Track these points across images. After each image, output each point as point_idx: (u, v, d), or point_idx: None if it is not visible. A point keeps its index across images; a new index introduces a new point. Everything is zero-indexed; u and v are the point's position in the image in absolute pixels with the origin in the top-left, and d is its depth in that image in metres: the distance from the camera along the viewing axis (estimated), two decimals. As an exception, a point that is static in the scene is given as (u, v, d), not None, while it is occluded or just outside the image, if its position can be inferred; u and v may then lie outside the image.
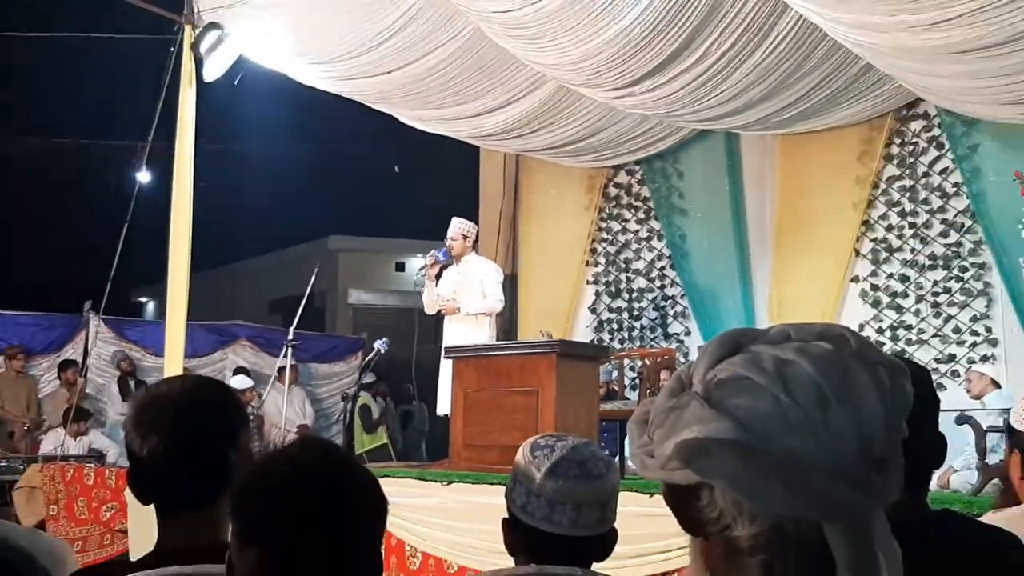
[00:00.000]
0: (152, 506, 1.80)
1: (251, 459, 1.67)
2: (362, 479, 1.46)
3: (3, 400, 10.68)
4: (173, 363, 7.69)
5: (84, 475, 7.63)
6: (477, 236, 8.22)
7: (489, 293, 7.42)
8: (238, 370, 11.82)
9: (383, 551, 1.52)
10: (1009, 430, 2.43)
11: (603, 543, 1.97)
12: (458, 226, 7.59)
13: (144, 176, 9.01)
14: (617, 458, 6.61)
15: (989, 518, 2.32)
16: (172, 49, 7.88)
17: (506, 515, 2.00)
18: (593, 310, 10.50)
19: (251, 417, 10.49)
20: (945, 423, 2.16)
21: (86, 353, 11.44)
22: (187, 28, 7.85)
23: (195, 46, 7.72)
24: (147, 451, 1.73)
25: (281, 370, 11.17)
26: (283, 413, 10.97)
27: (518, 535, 1.96)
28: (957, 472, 6.69)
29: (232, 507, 1.42)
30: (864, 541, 0.90)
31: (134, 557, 1.79)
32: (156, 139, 8.21)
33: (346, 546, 1.40)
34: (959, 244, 8.39)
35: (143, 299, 22.93)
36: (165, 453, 1.72)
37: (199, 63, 7.72)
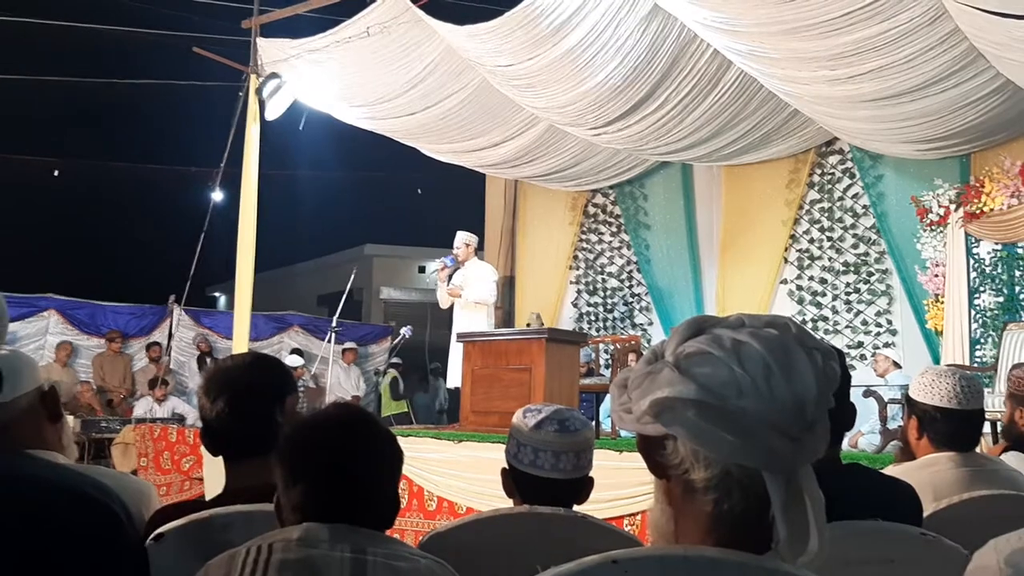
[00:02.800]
0: (220, 457, 1.79)
1: (296, 417, 1.66)
2: (383, 433, 1.47)
3: (104, 374, 10.68)
4: (240, 345, 7.68)
5: (168, 434, 7.60)
6: (480, 244, 8.20)
7: (483, 287, 7.41)
8: (294, 351, 11.82)
9: (400, 492, 1.53)
10: (908, 400, 2.41)
11: (580, 486, 1.97)
12: (462, 237, 7.58)
13: (218, 195, 8.99)
14: (593, 422, 6.60)
15: (890, 470, 2.32)
16: (241, 94, 7.86)
17: (504, 466, 2.00)
18: (575, 304, 10.48)
19: (302, 389, 10.54)
20: (854, 396, 2.15)
21: (170, 336, 11.42)
22: (252, 77, 7.84)
23: (259, 91, 7.70)
24: (215, 412, 1.72)
25: (346, 351, 11.42)
26: (342, 385, 11.25)
27: (511, 480, 1.98)
28: (864, 435, 6.67)
29: (280, 454, 1.41)
30: (795, 487, 0.91)
31: (208, 498, 1.78)
32: (228, 165, 8.18)
33: (371, 484, 1.41)
34: (867, 254, 8.38)
35: (216, 293, 22.87)
36: (229, 413, 1.71)
37: (262, 105, 7.70)
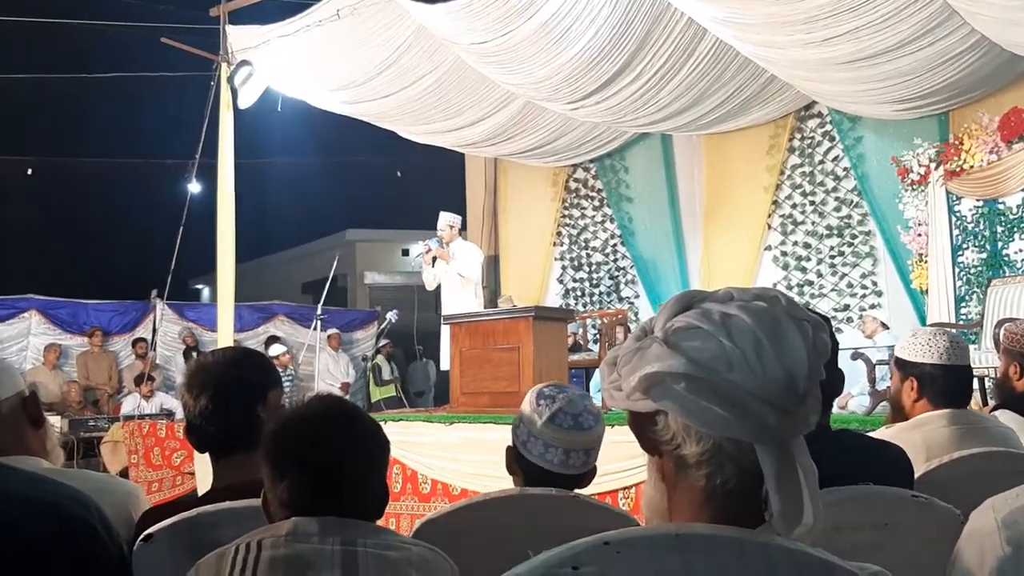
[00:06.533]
0: (207, 453, 1.78)
1: (279, 412, 1.64)
2: (366, 424, 1.45)
3: (89, 372, 10.63)
4: (225, 336, 7.64)
5: (157, 430, 7.56)
6: (463, 225, 8.16)
7: (469, 266, 7.40)
8: (271, 339, 11.73)
9: (391, 478, 1.52)
10: (901, 363, 2.40)
11: (583, 479, 1.95)
12: (445, 218, 7.56)
13: (195, 186, 8.91)
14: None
15: (882, 433, 2.33)
16: (212, 83, 7.77)
17: (510, 444, 1.97)
18: (560, 280, 10.48)
19: (291, 378, 10.47)
20: (843, 359, 2.15)
21: (155, 331, 11.36)
22: (223, 66, 7.75)
23: (230, 80, 7.61)
24: (198, 410, 1.71)
25: (329, 337, 11.39)
26: (331, 372, 11.23)
27: (517, 464, 1.94)
28: (854, 397, 6.71)
29: (265, 450, 1.40)
30: (788, 459, 0.90)
31: (201, 493, 1.78)
32: (203, 156, 8.09)
33: (357, 476, 1.40)
34: (849, 216, 8.40)
35: (199, 286, 22.69)
36: (212, 410, 1.70)
37: (234, 93, 7.61)
